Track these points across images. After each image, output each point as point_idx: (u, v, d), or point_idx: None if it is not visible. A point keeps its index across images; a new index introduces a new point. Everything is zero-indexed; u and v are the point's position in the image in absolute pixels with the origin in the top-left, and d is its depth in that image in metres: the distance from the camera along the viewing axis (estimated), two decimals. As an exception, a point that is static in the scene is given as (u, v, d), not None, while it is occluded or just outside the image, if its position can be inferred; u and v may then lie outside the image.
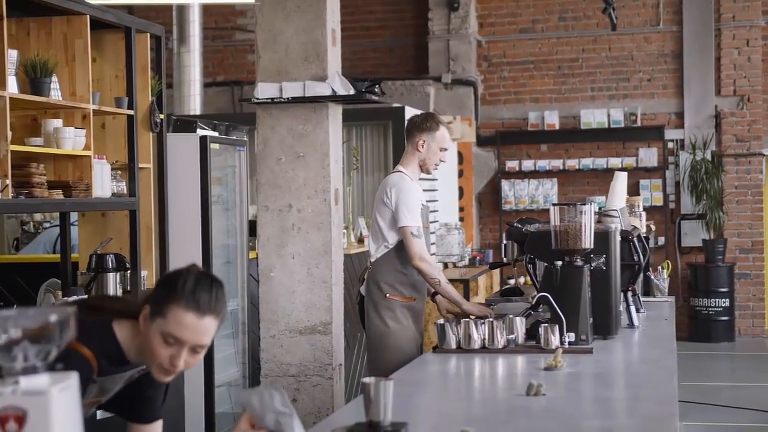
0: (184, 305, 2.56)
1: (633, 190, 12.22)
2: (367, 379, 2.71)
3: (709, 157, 12.23)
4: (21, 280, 6.50)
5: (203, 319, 2.57)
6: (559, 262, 4.37)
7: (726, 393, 9.36)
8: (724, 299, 12.08)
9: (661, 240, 12.44)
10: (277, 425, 2.41)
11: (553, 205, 4.44)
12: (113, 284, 5.48)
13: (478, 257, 10.87)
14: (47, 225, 8.75)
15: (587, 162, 12.60)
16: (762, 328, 12.48)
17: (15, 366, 1.77)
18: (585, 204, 4.42)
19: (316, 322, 5.61)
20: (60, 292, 5.60)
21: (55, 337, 1.80)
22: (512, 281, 10.53)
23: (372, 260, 5.29)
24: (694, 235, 12.43)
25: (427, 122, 5.30)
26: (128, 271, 5.68)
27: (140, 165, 5.80)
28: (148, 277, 5.91)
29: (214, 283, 2.63)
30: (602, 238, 4.51)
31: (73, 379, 1.81)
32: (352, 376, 7.31)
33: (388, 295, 5.17)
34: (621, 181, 5.64)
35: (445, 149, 5.31)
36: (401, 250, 5.12)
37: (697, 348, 11.76)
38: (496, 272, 10.90)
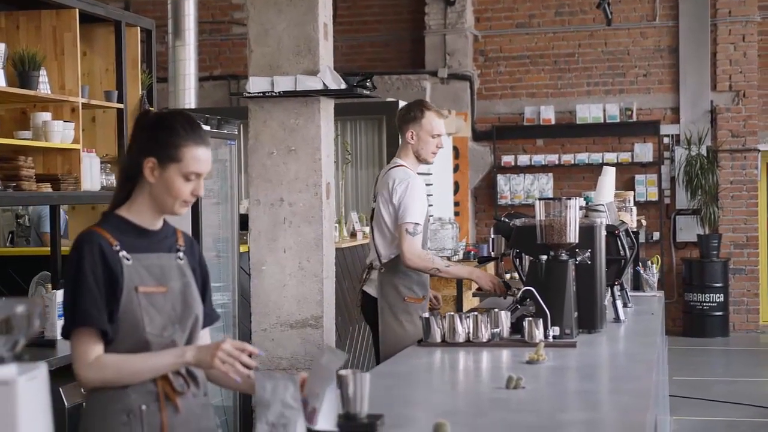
0: (194, 143, 2.83)
1: (628, 185, 12.24)
2: (343, 372, 2.74)
3: (704, 152, 12.23)
4: (14, 272, 6.52)
5: (208, 149, 2.89)
6: (544, 257, 4.38)
7: (719, 388, 9.37)
8: (718, 294, 12.09)
9: (656, 235, 12.45)
10: (279, 417, 2.42)
11: (539, 199, 4.45)
12: (103, 277, 5.47)
13: (473, 252, 10.87)
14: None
15: (583, 157, 12.60)
16: (756, 324, 12.49)
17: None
18: (570, 199, 4.43)
19: (308, 315, 5.61)
20: (50, 285, 5.61)
21: (22, 328, 1.82)
22: (508, 276, 10.53)
23: (384, 261, 5.19)
24: (689, 230, 12.44)
25: (411, 112, 5.22)
26: (118, 264, 5.68)
27: (130, 158, 5.81)
28: (138, 270, 5.91)
29: (193, 118, 2.92)
30: (587, 232, 4.51)
31: (40, 369, 1.83)
32: (343, 370, 7.31)
33: (406, 298, 5.13)
34: (609, 176, 5.65)
35: (438, 135, 5.20)
36: None
37: (691, 343, 11.78)
38: (492, 266, 10.90)
